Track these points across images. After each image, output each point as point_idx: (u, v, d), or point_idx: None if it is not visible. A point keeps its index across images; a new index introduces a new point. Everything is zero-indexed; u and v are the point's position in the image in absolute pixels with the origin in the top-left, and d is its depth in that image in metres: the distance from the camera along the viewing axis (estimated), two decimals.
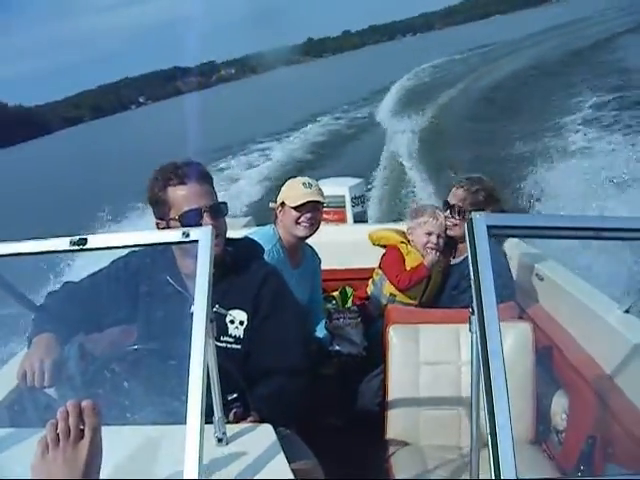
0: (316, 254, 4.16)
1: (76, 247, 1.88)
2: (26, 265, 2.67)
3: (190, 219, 2.61)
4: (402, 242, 4.01)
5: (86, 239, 1.89)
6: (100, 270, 2.96)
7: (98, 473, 1.50)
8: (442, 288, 4.02)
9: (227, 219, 2.78)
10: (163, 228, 2.72)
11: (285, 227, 3.81)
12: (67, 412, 1.54)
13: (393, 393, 3.26)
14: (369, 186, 13.02)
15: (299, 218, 3.74)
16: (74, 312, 2.78)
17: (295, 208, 3.73)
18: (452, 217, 3.87)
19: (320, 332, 3.99)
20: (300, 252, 3.98)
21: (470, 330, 1.78)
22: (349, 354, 3.84)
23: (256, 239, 3.20)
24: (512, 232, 1.87)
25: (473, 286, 1.68)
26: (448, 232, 3.92)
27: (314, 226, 3.81)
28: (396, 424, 3.27)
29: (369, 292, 4.20)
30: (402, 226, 4.23)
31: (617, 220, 1.83)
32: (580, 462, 2.79)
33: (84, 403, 1.56)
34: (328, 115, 29.07)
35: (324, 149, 21.54)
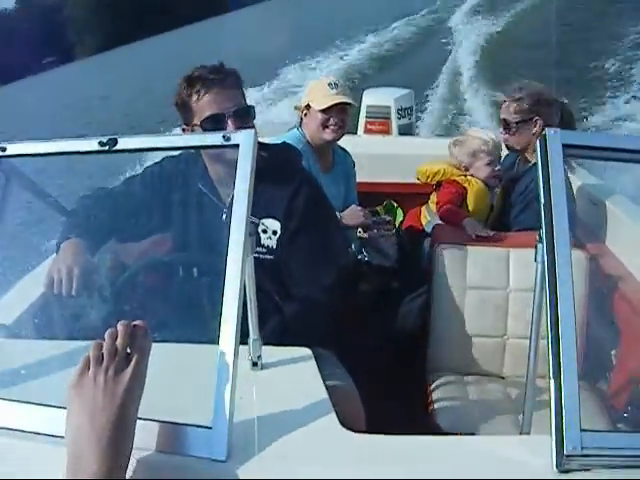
0: (349, 156, 3.97)
1: (105, 148, 1.73)
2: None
3: (211, 124, 2.49)
4: (460, 175, 3.71)
5: (116, 140, 1.73)
6: (134, 176, 2.88)
7: (138, 402, 1.37)
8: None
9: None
10: None
11: (311, 130, 3.65)
12: (116, 332, 1.40)
13: (436, 316, 3.12)
14: (426, 99, 12.66)
15: (326, 121, 3.57)
16: (105, 219, 2.67)
17: (322, 111, 3.56)
18: (503, 134, 3.63)
19: (351, 240, 3.80)
20: (330, 155, 3.81)
21: (535, 260, 1.61)
22: (379, 266, 3.72)
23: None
24: (590, 153, 1.68)
25: (543, 212, 1.52)
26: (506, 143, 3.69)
27: (342, 129, 3.64)
28: (437, 348, 3.15)
29: (422, 212, 3.96)
30: (448, 141, 4.02)
31: None
32: (627, 404, 2.65)
33: (137, 322, 1.43)
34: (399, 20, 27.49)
35: (384, 60, 20.70)
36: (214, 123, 2.49)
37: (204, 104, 2.51)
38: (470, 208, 3.62)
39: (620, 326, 2.97)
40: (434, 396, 2.96)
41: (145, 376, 1.40)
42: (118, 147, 1.74)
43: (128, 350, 1.39)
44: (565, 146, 1.57)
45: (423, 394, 3.04)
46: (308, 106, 3.65)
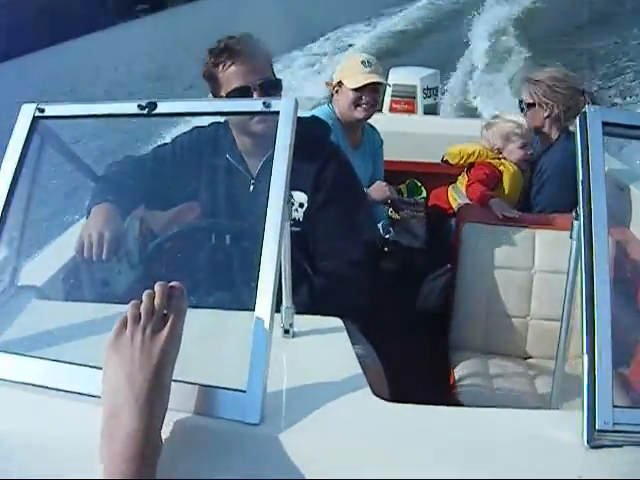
0: (378, 134, 3.97)
1: (144, 112, 1.73)
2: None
3: (238, 96, 2.49)
4: (494, 158, 3.69)
5: (155, 103, 1.74)
6: (163, 145, 2.88)
7: (174, 363, 1.38)
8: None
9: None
10: None
11: (342, 107, 3.64)
12: (154, 292, 1.41)
13: (460, 295, 3.13)
14: (447, 80, 12.55)
15: (358, 100, 3.56)
16: (136, 186, 2.68)
17: (354, 90, 3.54)
18: (530, 113, 3.65)
19: (379, 218, 3.80)
20: (359, 132, 3.80)
21: (570, 237, 1.61)
22: (409, 247, 3.72)
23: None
24: (631, 132, 1.68)
25: (581, 189, 1.52)
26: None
27: (373, 108, 3.64)
28: (460, 327, 3.16)
29: (449, 192, 3.92)
30: (475, 122, 4.00)
31: None
32: None
33: (174, 283, 1.43)
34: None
35: (412, 36, 20.53)
36: (240, 95, 2.49)
37: (230, 75, 2.52)
38: (504, 191, 3.61)
39: None
40: (457, 375, 2.97)
41: (181, 337, 1.40)
42: (157, 111, 1.75)
43: (165, 311, 1.40)
44: (605, 124, 1.57)
45: (446, 372, 3.05)
46: (340, 83, 3.62)
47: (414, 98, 5.69)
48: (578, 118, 1.58)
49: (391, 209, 3.87)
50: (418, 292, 3.62)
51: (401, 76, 5.79)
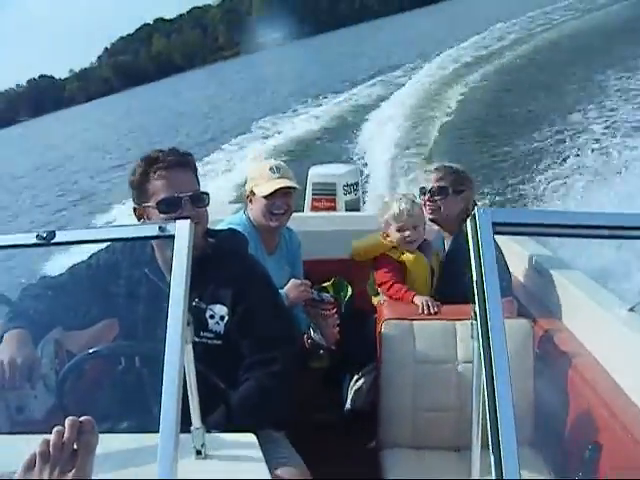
0: (295, 235, 3.97)
1: (43, 242, 1.73)
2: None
3: (168, 206, 2.53)
4: (392, 247, 3.70)
5: (54, 233, 1.74)
6: (80, 263, 2.83)
7: None
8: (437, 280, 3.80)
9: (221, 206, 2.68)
10: (140, 214, 2.64)
11: (257, 216, 3.63)
12: (63, 428, 1.37)
13: (386, 392, 3.12)
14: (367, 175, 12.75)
15: (271, 207, 3.56)
16: (51, 307, 2.63)
17: (265, 197, 3.54)
18: (432, 201, 3.73)
19: (301, 320, 3.73)
20: (276, 237, 3.79)
21: (472, 336, 1.64)
22: (319, 345, 3.67)
23: (228, 226, 3.14)
24: (520, 230, 1.73)
25: (475, 290, 1.55)
26: (430, 217, 3.76)
27: (287, 213, 3.63)
28: (388, 424, 3.14)
29: (367, 288, 3.94)
30: None
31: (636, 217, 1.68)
32: (580, 467, 2.66)
33: (84, 418, 1.40)
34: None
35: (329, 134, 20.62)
36: (169, 205, 2.53)
37: (160, 186, 2.55)
38: (413, 282, 3.63)
39: (569, 392, 2.99)
40: (388, 472, 2.94)
41: (91, 473, 1.37)
42: (56, 240, 1.74)
43: (75, 446, 1.37)
44: (495, 224, 1.61)
45: (377, 471, 3.02)
46: (252, 192, 3.63)
47: (334, 195, 5.79)
48: (469, 220, 1.63)
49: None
50: (348, 390, 3.61)
51: (320, 174, 5.90)
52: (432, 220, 3.78)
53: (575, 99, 17.22)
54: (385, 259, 3.69)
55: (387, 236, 3.70)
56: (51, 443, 1.36)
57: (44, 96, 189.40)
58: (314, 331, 3.60)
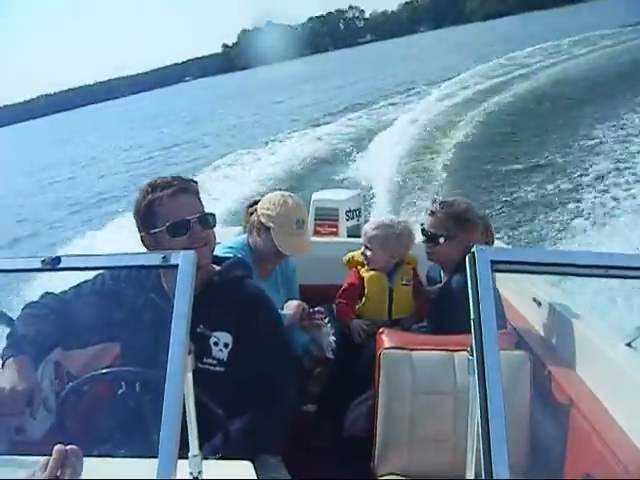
0: (290, 261, 3.97)
1: (48, 267, 1.75)
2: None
3: (178, 229, 2.57)
4: (361, 263, 3.94)
5: (60, 259, 1.76)
6: (84, 282, 2.83)
7: None
8: (430, 310, 3.88)
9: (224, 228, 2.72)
10: (149, 242, 2.65)
11: (261, 247, 3.65)
12: (48, 459, 1.39)
13: (383, 420, 3.12)
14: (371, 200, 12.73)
15: (280, 254, 3.60)
16: (53, 327, 2.62)
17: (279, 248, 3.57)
18: (426, 243, 3.79)
19: (299, 338, 3.77)
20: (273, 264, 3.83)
21: (468, 372, 1.67)
22: (320, 357, 3.69)
23: (226, 249, 3.24)
24: (518, 268, 1.76)
25: (473, 328, 1.57)
26: (427, 257, 3.85)
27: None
28: (385, 452, 3.13)
29: None
30: None
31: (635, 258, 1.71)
32: None
33: (70, 448, 1.42)
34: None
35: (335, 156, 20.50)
36: (179, 229, 2.58)
37: (170, 209, 2.59)
38: (366, 297, 3.90)
39: (564, 424, 3.00)
40: None
41: None
42: (61, 266, 1.76)
43: (58, 473, 1.38)
44: (494, 262, 1.64)
45: None
46: (267, 228, 3.59)
47: (337, 221, 5.81)
48: (467, 257, 1.65)
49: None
50: (344, 416, 3.62)
51: (323, 199, 5.93)
52: (430, 259, 3.87)
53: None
54: (353, 272, 3.99)
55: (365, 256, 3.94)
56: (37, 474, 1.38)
57: (446, 11, 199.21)
58: (311, 344, 3.65)
